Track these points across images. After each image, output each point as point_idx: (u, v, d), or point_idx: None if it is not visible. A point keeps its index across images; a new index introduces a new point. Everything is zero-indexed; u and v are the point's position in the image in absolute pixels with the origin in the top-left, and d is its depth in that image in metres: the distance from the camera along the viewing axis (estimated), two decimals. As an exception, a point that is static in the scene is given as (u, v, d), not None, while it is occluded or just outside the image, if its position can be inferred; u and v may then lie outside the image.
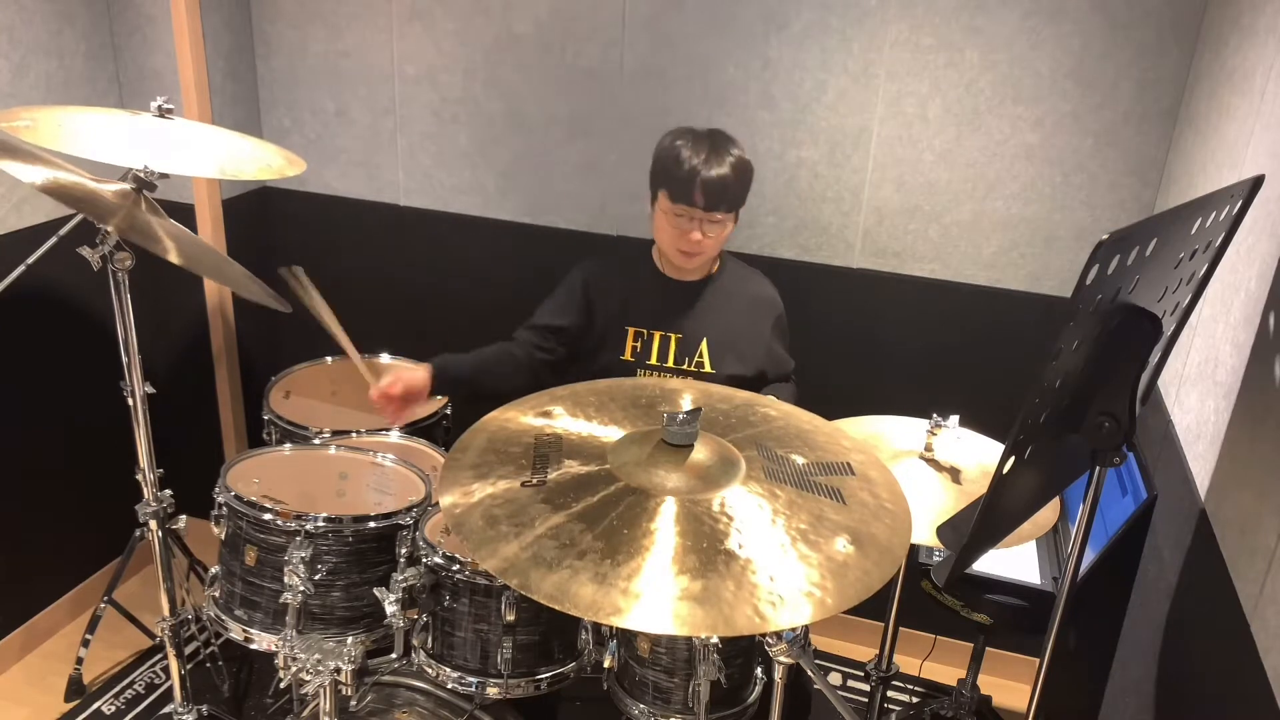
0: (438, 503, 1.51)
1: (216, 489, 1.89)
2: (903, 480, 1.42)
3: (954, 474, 1.75)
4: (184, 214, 2.64)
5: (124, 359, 1.91)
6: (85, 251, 1.79)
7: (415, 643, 1.81)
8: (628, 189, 2.58)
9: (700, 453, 1.33)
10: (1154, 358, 1.17)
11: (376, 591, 1.77)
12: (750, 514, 1.25)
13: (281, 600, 1.79)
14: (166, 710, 2.30)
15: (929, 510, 1.64)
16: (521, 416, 1.46)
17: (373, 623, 1.88)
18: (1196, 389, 1.70)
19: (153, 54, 2.58)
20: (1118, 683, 1.86)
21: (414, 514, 1.87)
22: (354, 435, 2.19)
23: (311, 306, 2.05)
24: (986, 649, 2.31)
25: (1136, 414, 1.11)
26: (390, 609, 1.75)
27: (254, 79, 2.78)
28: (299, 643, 1.69)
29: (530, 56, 2.55)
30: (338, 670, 1.63)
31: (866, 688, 2.15)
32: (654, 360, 2.15)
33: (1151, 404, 1.98)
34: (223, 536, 1.90)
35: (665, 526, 1.20)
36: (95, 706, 2.46)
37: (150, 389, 1.96)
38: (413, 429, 2.25)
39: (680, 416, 1.32)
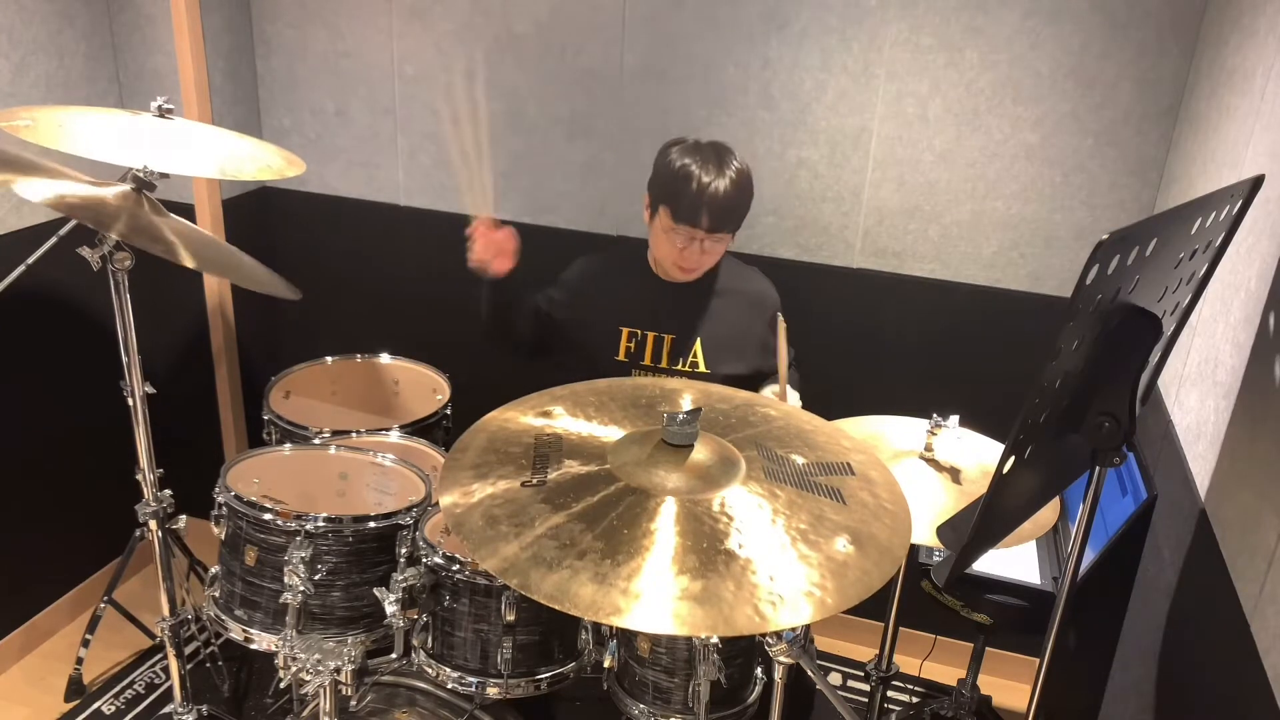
0: (438, 503, 1.51)
1: (216, 489, 1.89)
2: (903, 480, 1.42)
3: (954, 474, 1.75)
4: (184, 214, 2.62)
5: (124, 359, 1.91)
6: (85, 251, 1.79)
7: (415, 643, 1.81)
8: (628, 189, 2.58)
9: (700, 453, 1.33)
10: (1154, 358, 1.17)
11: (376, 591, 1.77)
12: (750, 514, 1.25)
13: (281, 600, 1.79)
14: (166, 710, 2.30)
15: (929, 510, 1.64)
16: (521, 416, 1.46)
17: (373, 623, 1.88)
18: (1196, 389, 1.70)
19: (153, 54, 2.58)
20: (1118, 683, 1.86)
21: (414, 514, 1.87)
22: (354, 435, 2.18)
23: None
24: (986, 649, 2.31)
25: (1136, 414, 1.11)
26: (390, 609, 1.75)
27: (254, 79, 2.78)
28: (299, 643, 1.70)
29: (530, 56, 2.55)
30: (338, 670, 1.63)
31: (866, 688, 2.15)
32: (648, 360, 2.15)
33: (1151, 404, 1.98)
34: (223, 536, 1.90)
35: (665, 526, 1.20)
36: (95, 706, 2.46)
37: (150, 389, 1.96)
38: (413, 429, 2.25)
39: (680, 416, 1.32)
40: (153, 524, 2.03)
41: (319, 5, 2.66)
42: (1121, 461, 1.13)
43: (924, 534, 1.49)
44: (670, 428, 1.32)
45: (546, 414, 1.46)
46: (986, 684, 2.38)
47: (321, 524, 1.81)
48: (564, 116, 2.58)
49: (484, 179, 2.08)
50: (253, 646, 1.87)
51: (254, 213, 2.86)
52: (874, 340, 2.54)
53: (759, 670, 1.84)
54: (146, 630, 2.58)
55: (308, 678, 1.64)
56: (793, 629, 1.39)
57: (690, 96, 2.46)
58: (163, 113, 1.93)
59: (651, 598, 1.11)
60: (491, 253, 2.06)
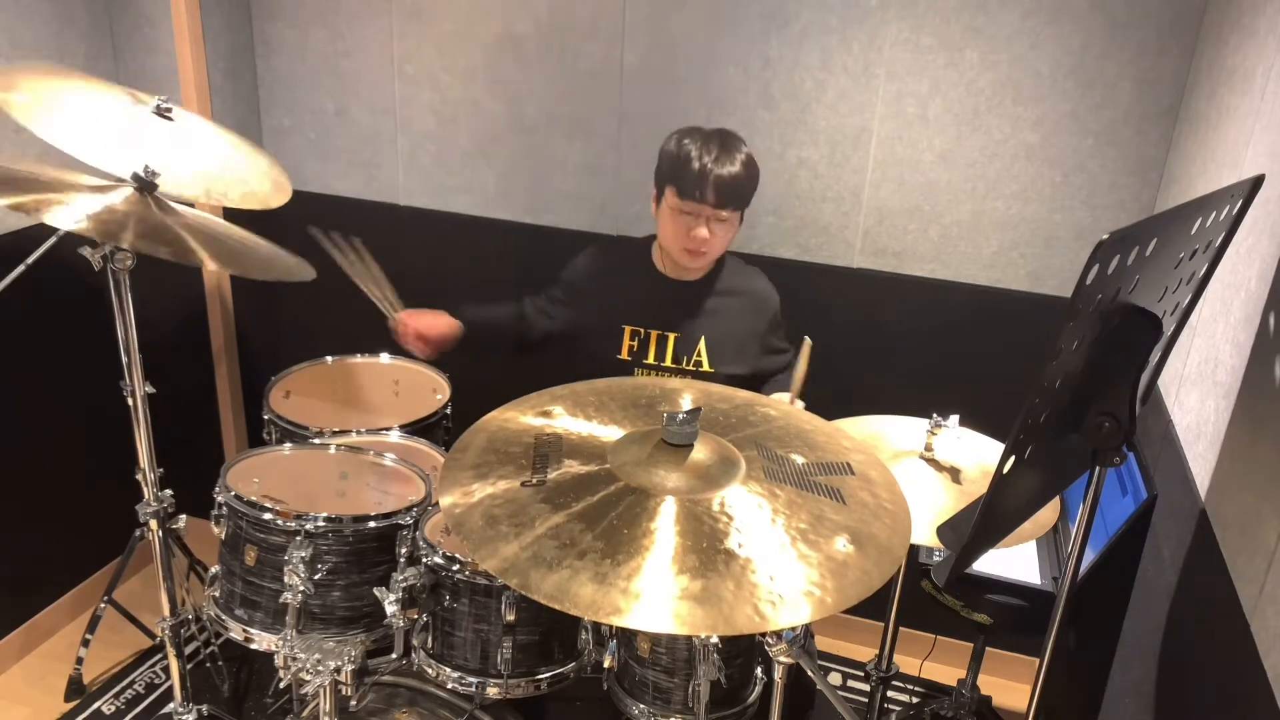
0: (438, 503, 1.51)
1: (216, 489, 1.89)
2: (903, 480, 1.42)
3: (954, 474, 1.75)
4: (184, 214, 2.64)
5: (124, 359, 1.92)
6: (86, 251, 1.79)
7: (415, 643, 1.81)
8: (628, 189, 2.58)
9: (700, 452, 1.33)
10: (1154, 358, 1.17)
11: (376, 591, 1.77)
12: (750, 514, 1.25)
13: (281, 600, 1.79)
14: (166, 710, 2.30)
15: (929, 510, 1.64)
16: (521, 416, 1.46)
17: (373, 623, 1.88)
18: (1196, 389, 1.70)
19: (153, 54, 2.58)
20: (1118, 683, 1.86)
21: (414, 514, 1.87)
22: (354, 435, 2.18)
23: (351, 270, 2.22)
24: (986, 649, 2.31)
25: (1136, 414, 1.11)
26: (390, 609, 1.75)
27: (254, 79, 2.78)
28: (299, 643, 1.70)
29: (530, 56, 2.55)
30: (338, 670, 1.63)
31: (866, 688, 2.15)
32: (651, 359, 2.15)
33: (1151, 404, 1.98)
34: (223, 536, 1.90)
35: (665, 526, 1.20)
36: (95, 706, 2.46)
37: (150, 389, 1.96)
38: (413, 429, 2.25)
39: (680, 416, 1.32)
40: (153, 524, 2.03)
41: (319, 5, 2.66)
42: (1121, 461, 1.13)
43: (924, 534, 1.49)
44: (670, 427, 1.32)
45: (546, 414, 1.46)
46: (986, 684, 2.38)
47: (321, 524, 1.81)
48: (564, 116, 2.58)
49: (380, 287, 2.29)
50: (253, 646, 1.87)
51: (254, 213, 2.85)
52: (874, 340, 2.54)
53: (759, 670, 1.84)
54: (146, 630, 2.58)
55: (308, 678, 1.64)
56: (793, 629, 1.39)
57: (690, 96, 2.46)
58: (162, 112, 1.92)
59: (651, 597, 1.11)
60: (423, 341, 2.24)
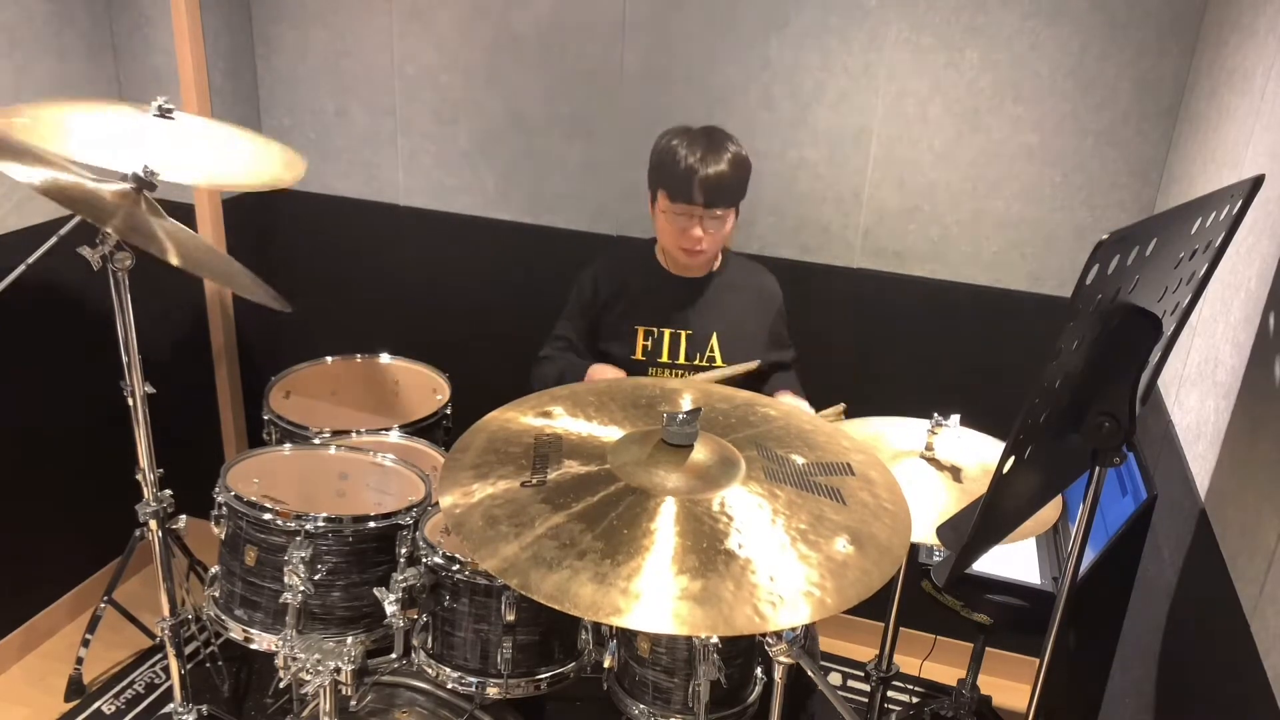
0: (438, 503, 1.51)
1: (216, 489, 1.89)
2: (903, 480, 1.42)
3: (954, 474, 1.75)
4: (184, 214, 2.64)
5: (124, 359, 1.91)
6: (85, 251, 1.79)
7: (415, 643, 1.81)
8: (628, 189, 2.58)
9: (700, 453, 1.33)
10: (1154, 358, 1.17)
11: (376, 591, 1.77)
12: (750, 514, 1.25)
13: (281, 600, 1.79)
14: (166, 710, 2.30)
15: (929, 510, 1.64)
16: (521, 416, 1.46)
17: (373, 623, 1.88)
18: (1196, 389, 1.70)
19: (153, 54, 2.58)
20: (1118, 683, 1.86)
21: (414, 514, 1.87)
22: (354, 435, 2.18)
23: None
24: (986, 649, 2.31)
25: (1136, 414, 1.11)
26: (390, 609, 1.75)
27: (254, 79, 2.78)
28: (299, 643, 1.69)
29: (530, 56, 2.55)
30: (338, 670, 1.62)
31: (866, 688, 2.15)
32: (665, 358, 2.15)
33: (1151, 404, 1.98)
34: (223, 536, 1.90)
35: (665, 526, 1.20)
36: (95, 706, 2.46)
37: (150, 389, 1.96)
38: (413, 429, 2.25)
39: (680, 416, 1.32)
40: (153, 524, 2.03)
41: (319, 5, 2.66)
42: (1121, 461, 1.13)
43: (924, 534, 1.49)
44: (670, 428, 1.32)
45: (546, 414, 1.46)
46: (986, 684, 2.38)
47: (321, 524, 1.81)
48: (564, 116, 2.58)
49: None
50: (253, 646, 1.87)
51: (254, 212, 2.86)
52: (874, 340, 2.54)
53: (759, 670, 1.84)
54: (146, 630, 2.58)
55: (308, 678, 1.64)
56: (793, 629, 1.39)
57: (690, 96, 2.46)
58: (163, 113, 1.92)
59: (651, 598, 1.11)
60: None
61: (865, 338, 2.55)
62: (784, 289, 2.26)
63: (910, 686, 2.65)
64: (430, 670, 1.79)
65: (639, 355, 2.16)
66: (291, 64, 2.75)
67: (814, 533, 1.23)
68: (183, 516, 2.12)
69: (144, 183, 1.78)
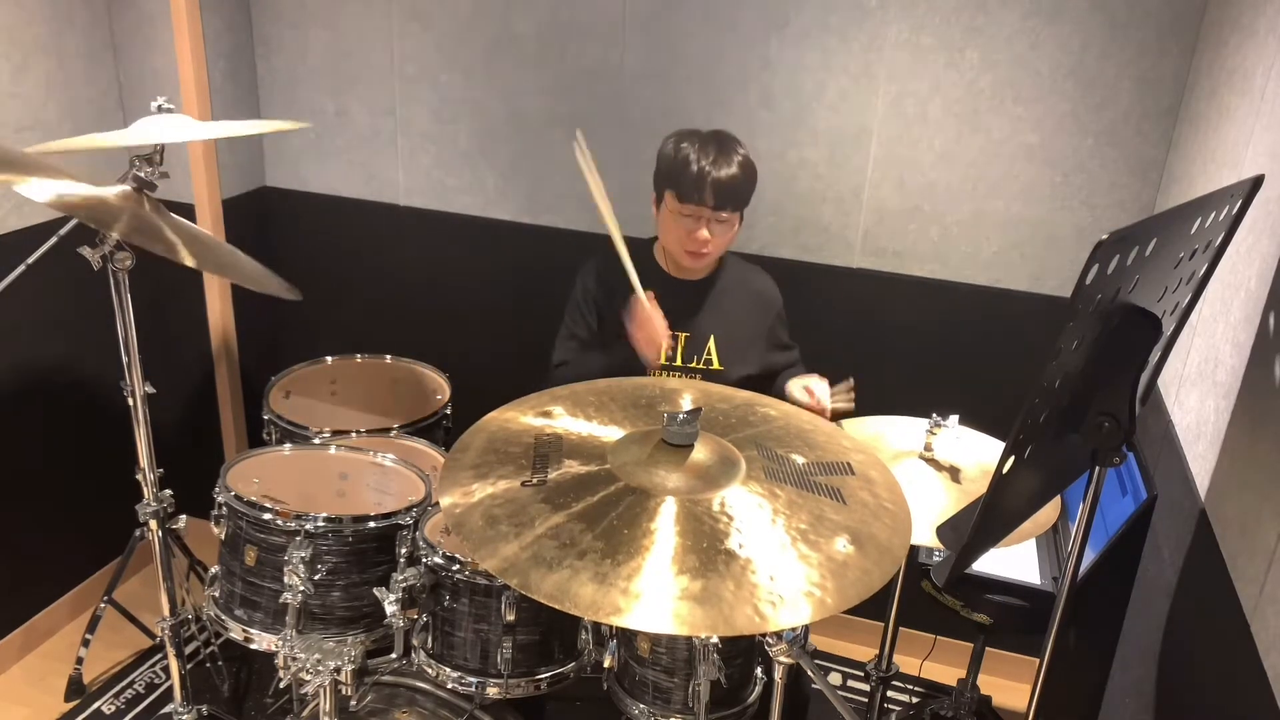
0: (438, 503, 1.51)
1: (216, 489, 1.89)
2: (903, 480, 1.42)
3: (954, 474, 1.75)
4: (184, 214, 2.62)
5: (124, 359, 1.91)
6: (86, 251, 1.79)
7: (415, 643, 1.81)
8: (628, 189, 2.57)
9: (700, 453, 1.33)
10: (1154, 358, 1.17)
11: (376, 591, 1.77)
12: (750, 514, 1.25)
13: (281, 600, 1.79)
14: (166, 710, 2.30)
15: (929, 510, 1.64)
16: (521, 416, 1.46)
17: (373, 623, 1.88)
18: (1196, 389, 1.70)
19: (153, 54, 2.58)
20: (1118, 683, 1.86)
21: (414, 514, 1.87)
22: (354, 435, 2.19)
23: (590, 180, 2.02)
24: (986, 649, 2.30)
25: (1136, 414, 1.11)
26: (390, 609, 1.75)
27: (254, 79, 2.78)
28: (299, 643, 1.70)
29: (530, 56, 2.55)
30: (338, 670, 1.63)
31: (866, 688, 2.15)
32: (662, 359, 2.15)
33: (1151, 404, 1.98)
34: (223, 536, 1.90)
35: (665, 526, 1.20)
36: (95, 706, 2.46)
37: (150, 389, 1.96)
38: (413, 429, 2.25)
39: (680, 416, 1.32)
40: (153, 524, 2.03)
41: (319, 5, 2.66)
42: (1121, 461, 1.13)
43: (924, 534, 1.49)
44: (670, 428, 1.32)
45: (546, 414, 1.46)
46: (986, 684, 2.38)
47: (321, 524, 1.81)
48: (564, 116, 2.58)
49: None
50: (253, 646, 1.87)
51: (254, 212, 2.86)
52: (874, 340, 2.54)
53: (759, 670, 1.84)
54: (146, 630, 2.58)
55: (308, 678, 1.64)
56: (793, 629, 1.39)
57: (690, 96, 2.46)
58: (163, 113, 1.92)
59: (651, 597, 1.11)
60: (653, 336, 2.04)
61: (865, 338, 2.55)
62: (784, 289, 2.26)
63: (910, 686, 2.65)
64: (430, 670, 1.79)
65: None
66: (291, 64, 2.75)
67: (814, 533, 1.23)
68: (183, 516, 2.11)
69: (145, 183, 1.78)
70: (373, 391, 2.50)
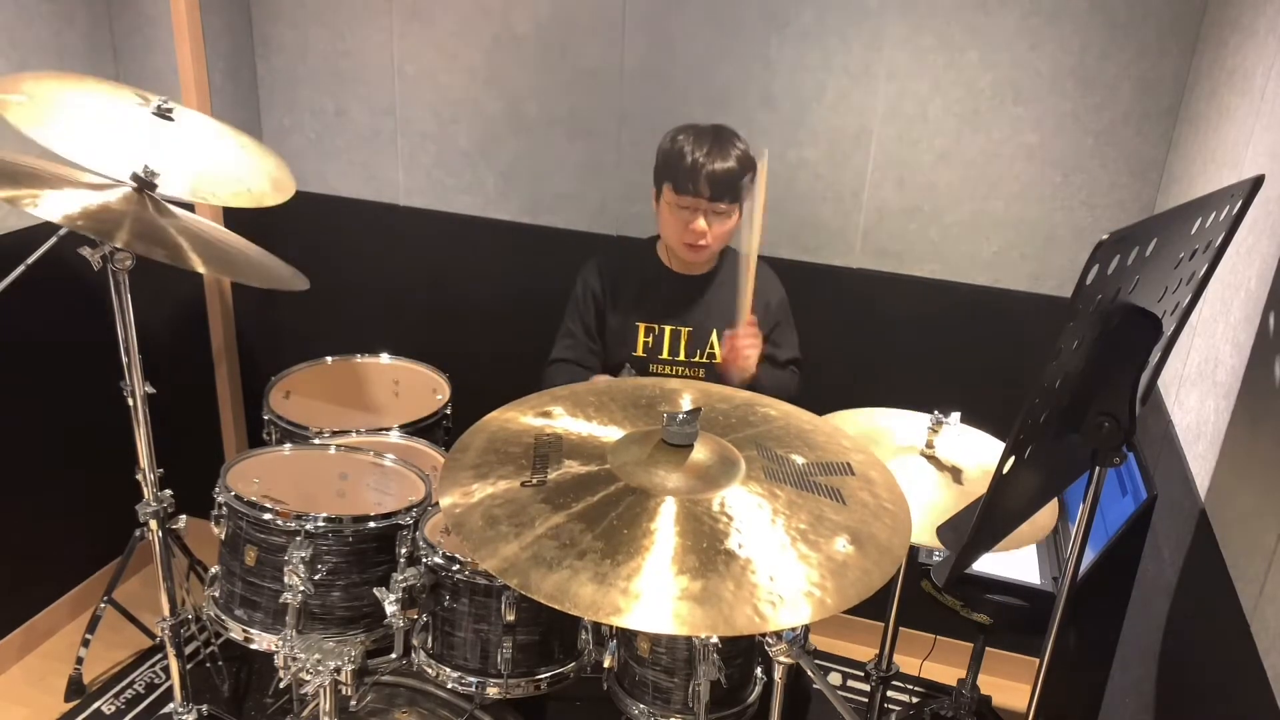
0: (438, 503, 1.51)
1: (216, 489, 1.89)
2: (903, 478, 1.42)
3: (955, 473, 1.75)
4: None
5: (124, 359, 1.91)
6: (86, 251, 1.79)
7: (415, 643, 1.81)
8: (628, 189, 2.58)
9: (700, 453, 1.33)
10: (1154, 358, 1.17)
11: (376, 591, 1.77)
12: (750, 514, 1.25)
13: (281, 600, 1.79)
14: (166, 710, 2.30)
15: (929, 510, 1.63)
16: (521, 416, 1.46)
17: (373, 623, 1.88)
18: (1196, 389, 1.70)
19: (153, 54, 2.58)
20: (1118, 683, 1.86)
21: (414, 514, 1.87)
22: (354, 435, 2.19)
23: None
24: (986, 649, 2.31)
25: (1136, 414, 1.11)
26: (390, 609, 1.75)
27: (254, 79, 2.78)
28: (299, 643, 1.70)
29: (530, 56, 2.55)
30: (338, 670, 1.63)
31: (866, 688, 2.15)
32: (665, 354, 2.17)
33: (1151, 404, 1.98)
34: (223, 536, 1.90)
35: (665, 526, 1.20)
36: (95, 706, 2.46)
37: (150, 389, 1.96)
38: (413, 429, 2.25)
39: (680, 416, 1.32)
40: (153, 524, 2.03)
41: (319, 5, 2.66)
42: (1121, 461, 1.13)
43: (924, 534, 1.49)
44: (670, 428, 1.32)
45: (546, 414, 1.46)
46: (986, 684, 2.38)
47: (321, 524, 1.81)
48: (564, 116, 2.58)
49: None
50: (253, 646, 1.87)
51: (253, 212, 2.85)
52: (874, 340, 2.54)
53: (759, 670, 1.84)
54: (146, 630, 2.58)
55: (308, 678, 1.64)
56: (793, 629, 1.39)
57: (690, 96, 2.46)
58: (163, 113, 1.92)
59: (651, 598, 1.11)
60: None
61: (865, 338, 2.55)
62: (784, 289, 2.26)
63: (910, 686, 2.65)
64: (430, 670, 1.79)
65: (640, 352, 2.17)
66: (291, 64, 2.75)
67: (814, 533, 1.23)
68: (183, 516, 2.12)
69: (144, 182, 1.78)
70: (373, 391, 2.50)
